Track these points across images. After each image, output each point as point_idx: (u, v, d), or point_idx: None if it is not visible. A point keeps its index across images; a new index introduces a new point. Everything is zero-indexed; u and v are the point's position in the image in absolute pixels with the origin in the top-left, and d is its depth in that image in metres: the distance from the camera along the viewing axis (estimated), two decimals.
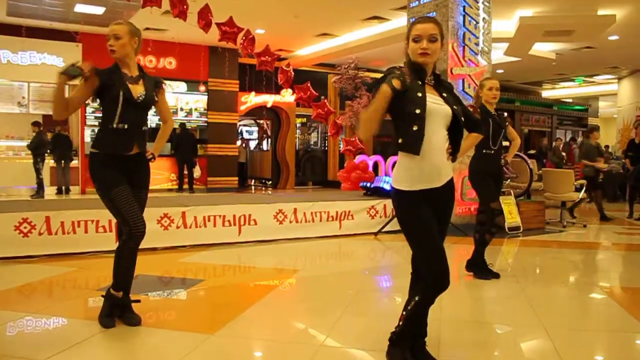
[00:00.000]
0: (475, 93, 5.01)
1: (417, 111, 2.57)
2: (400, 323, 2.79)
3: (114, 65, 3.44)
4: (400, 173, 2.70)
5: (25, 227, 5.54)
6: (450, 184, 2.75)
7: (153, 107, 3.61)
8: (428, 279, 2.68)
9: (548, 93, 21.61)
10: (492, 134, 4.85)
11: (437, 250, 2.66)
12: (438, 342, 3.18)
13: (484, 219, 5.03)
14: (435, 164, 2.64)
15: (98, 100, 3.44)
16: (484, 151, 4.90)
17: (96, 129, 12.37)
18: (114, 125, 3.35)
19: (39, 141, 11.55)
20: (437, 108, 2.64)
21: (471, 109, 4.83)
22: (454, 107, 2.70)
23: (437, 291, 2.68)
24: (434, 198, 2.67)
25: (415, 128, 2.58)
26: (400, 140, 2.65)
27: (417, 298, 2.72)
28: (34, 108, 12.98)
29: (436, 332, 3.31)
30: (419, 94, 2.60)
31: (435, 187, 2.67)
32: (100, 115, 3.47)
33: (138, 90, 3.42)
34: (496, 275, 4.99)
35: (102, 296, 3.55)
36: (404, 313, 2.76)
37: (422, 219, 2.65)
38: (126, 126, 3.37)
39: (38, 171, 11.51)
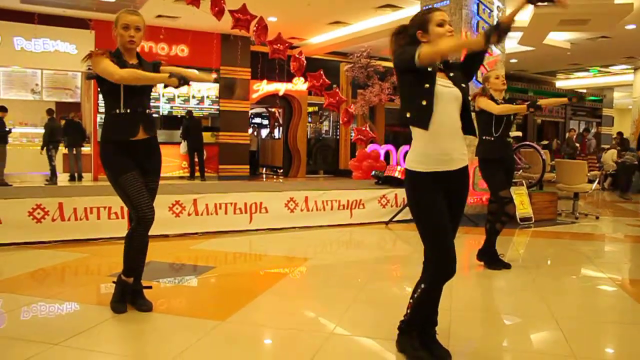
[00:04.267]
0: (482, 85, 5.03)
1: (427, 85, 2.62)
2: (408, 311, 2.81)
3: (116, 51, 3.44)
4: (413, 154, 2.73)
5: (38, 213, 5.59)
6: (464, 171, 2.76)
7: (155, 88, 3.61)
8: (434, 266, 2.69)
9: (562, 83, 21.40)
10: (495, 121, 4.84)
11: (445, 236, 2.67)
12: (448, 332, 3.18)
13: (494, 208, 5.01)
14: (446, 146, 2.68)
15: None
16: (484, 137, 4.90)
17: None
18: (117, 111, 3.38)
19: (51, 128, 11.65)
20: (446, 91, 2.68)
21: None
22: (462, 85, 2.75)
23: (443, 279, 2.70)
24: (447, 183, 2.69)
25: (424, 103, 2.62)
26: (408, 115, 2.70)
27: (423, 286, 2.73)
28: (48, 95, 13.06)
29: (446, 322, 3.31)
30: (429, 69, 2.65)
31: (448, 172, 2.68)
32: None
33: None
34: (507, 266, 4.97)
35: (114, 282, 3.58)
36: (411, 301, 2.78)
37: (432, 202, 2.67)
38: (129, 110, 3.39)
39: (50, 158, 11.61)
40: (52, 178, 11.63)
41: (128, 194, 3.38)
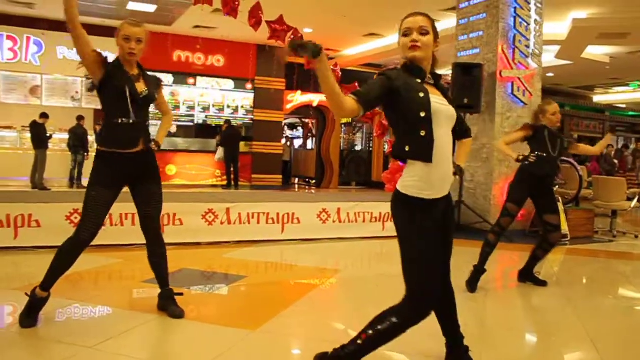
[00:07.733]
0: (533, 115, 4.91)
1: (422, 114, 2.32)
2: (359, 342, 2.46)
3: (116, 60, 3.45)
4: (408, 178, 2.41)
5: (75, 218, 5.69)
6: (449, 196, 2.51)
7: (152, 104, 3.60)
8: (411, 299, 2.41)
9: (600, 98, 20.99)
10: (549, 141, 4.69)
11: (434, 267, 2.43)
12: (480, 351, 3.12)
13: (506, 223, 4.75)
14: (444, 171, 2.40)
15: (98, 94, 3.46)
16: (538, 153, 4.71)
17: None
18: (119, 121, 3.34)
19: (74, 133, 12.12)
20: (442, 109, 2.39)
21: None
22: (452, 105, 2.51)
23: (419, 315, 2.40)
24: (438, 210, 2.43)
25: (423, 133, 2.32)
26: (407, 148, 2.37)
27: (394, 320, 2.41)
28: (87, 102, 13.36)
29: (479, 340, 3.26)
30: (421, 94, 2.35)
31: (439, 198, 2.42)
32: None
33: (141, 87, 3.43)
34: (543, 283, 4.86)
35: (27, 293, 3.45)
36: (371, 332, 2.45)
37: (427, 229, 2.38)
38: (131, 121, 3.36)
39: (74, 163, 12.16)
40: (71, 182, 12.12)
41: (86, 207, 3.46)
